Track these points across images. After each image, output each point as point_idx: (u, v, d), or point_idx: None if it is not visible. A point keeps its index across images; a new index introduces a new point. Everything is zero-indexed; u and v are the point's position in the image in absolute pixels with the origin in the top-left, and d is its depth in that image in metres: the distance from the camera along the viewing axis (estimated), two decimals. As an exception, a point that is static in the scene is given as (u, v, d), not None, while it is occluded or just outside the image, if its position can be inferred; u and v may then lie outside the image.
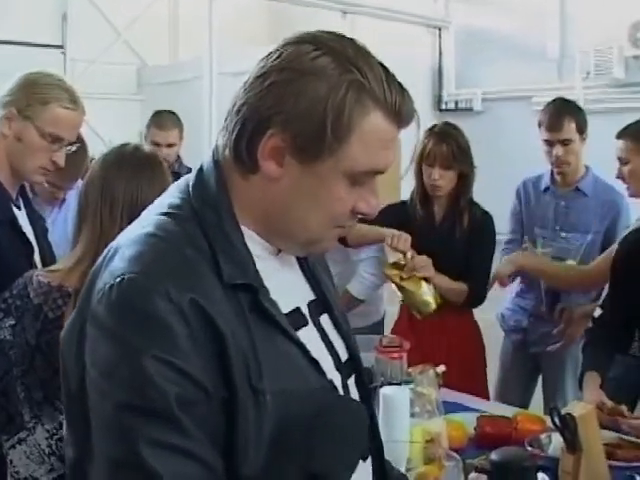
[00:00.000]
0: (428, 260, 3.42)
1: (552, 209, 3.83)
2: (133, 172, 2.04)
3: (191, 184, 1.30)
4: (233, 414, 1.16)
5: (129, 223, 1.94)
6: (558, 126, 3.68)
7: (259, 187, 1.26)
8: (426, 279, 3.41)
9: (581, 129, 3.71)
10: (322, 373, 1.31)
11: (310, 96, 1.20)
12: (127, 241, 1.24)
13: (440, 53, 7.30)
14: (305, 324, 1.35)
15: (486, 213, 3.61)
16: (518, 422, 2.54)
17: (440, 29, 7.24)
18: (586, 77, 6.07)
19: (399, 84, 1.26)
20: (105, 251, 1.29)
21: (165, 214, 1.26)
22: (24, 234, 2.43)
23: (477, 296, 3.55)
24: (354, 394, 1.42)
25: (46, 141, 2.41)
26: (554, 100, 3.85)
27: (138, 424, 1.10)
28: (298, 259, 1.43)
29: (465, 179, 3.53)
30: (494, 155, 6.11)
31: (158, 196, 1.94)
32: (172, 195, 1.32)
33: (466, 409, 2.80)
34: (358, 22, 6.90)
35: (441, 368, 2.69)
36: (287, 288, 1.33)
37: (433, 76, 7.32)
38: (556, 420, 2.10)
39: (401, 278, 3.44)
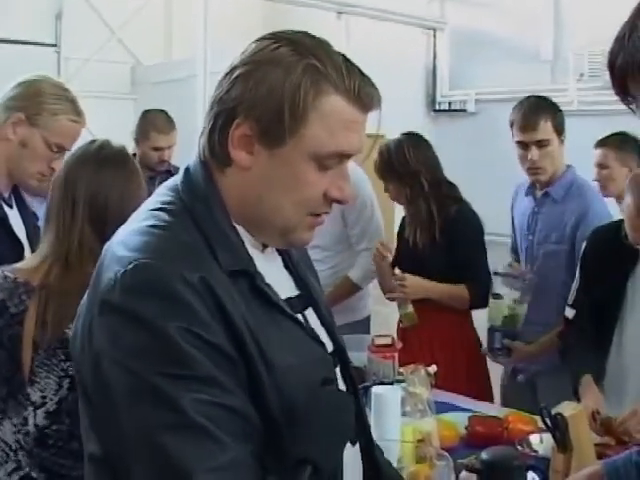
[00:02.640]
0: (405, 281, 3.49)
1: (527, 215, 3.54)
2: (94, 169, 2.04)
3: (180, 182, 1.35)
4: (254, 383, 1.22)
5: (91, 221, 1.96)
6: (533, 126, 3.33)
7: (235, 179, 1.32)
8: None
9: (557, 129, 3.37)
10: (322, 344, 1.40)
11: (269, 82, 1.26)
12: (126, 235, 1.28)
13: (434, 54, 7.31)
14: (296, 313, 1.39)
15: (459, 210, 3.54)
16: (509, 422, 2.55)
17: (435, 30, 7.24)
18: (579, 79, 6.08)
19: (359, 71, 1.30)
20: (102, 253, 1.32)
21: (158, 209, 1.31)
22: (13, 232, 2.44)
23: (479, 294, 3.46)
24: (340, 385, 1.45)
25: (50, 150, 2.46)
26: (528, 97, 3.49)
27: (179, 390, 1.13)
28: (282, 257, 1.48)
29: (408, 191, 3.57)
30: (487, 156, 6.12)
31: (124, 193, 1.95)
32: (162, 194, 1.36)
33: (458, 409, 2.81)
34: (353, 22, 6.90)
35: (433, 368, 2.70)
36: (274, 282, 1.35)
37: (427, 77, 7.33)
38: (547, 420, 2.10)
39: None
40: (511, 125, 3.43)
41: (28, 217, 2.60)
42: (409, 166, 3.52)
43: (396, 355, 2.90)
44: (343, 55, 1.31)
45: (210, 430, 1.14)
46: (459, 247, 3.46)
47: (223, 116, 1.29)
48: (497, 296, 3.35)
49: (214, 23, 5.90)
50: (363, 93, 1.29)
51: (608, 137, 4.31)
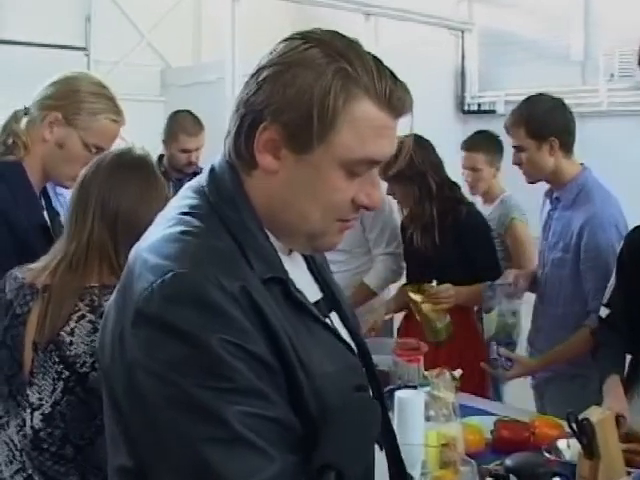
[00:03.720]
0: (450, 291, 3.41)
1: (545, 219, 3.42)
2: (108, 173, 2.03)
3: (205, 184, 1.32)
4: (294, 391, 1.21)
5: (101, 222, 1.97)
6: (506, 130, 3.27)
7: (261, 182, 1.29)
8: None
9: (535, 135, 3.14)
10: (354, 353, 1.39)
11: (298, 85, 1.22)
12: (158, 241, 1.25)
13: (463, 55, 7.28)
14: (325, 316, 1.38)
15: (469, 212, 3.57)
16: (536, 427, 2.52)
17: (463, 31, 7.21)
18: (610, 79, 6.02)
19: (391, 74, 1.27)
20: (131, 259, 1.30)
21: (186, 214, 1.28)
22: (53, 238, 2.42)
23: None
24: None
25: (88, 151, 2.39)
26: (527, 96, 3.34)
27: (223, 403, 1.11)
28: (306, 260, 1.46)
29: (416, 192, 3.59)
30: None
31: (137, 197, 1.94)
32: (187, 197, 1.33)
33: (484, 413, 2.78)
34: (381, 24, 6.89)
35: (458, 372, 2.68)
36: (301, 286, 1.33)
37: (456, 78, 7.30)
38: (573, 425, 2.08)
39: (422, 301, 3.46)
40: None
41: (53, 216, 2.56)
42: (416, 167, 3.52)
43: (421, 358, 2.89)
44: (374, 56, 1.27)
45: (255, 443, 1.12)
46: (475, 249, 3.47)
47: (249, 118, 1.26)
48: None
49: (242, 26, 5.91)
50: (395, 98, 1.25)
51: (473, 139, 4.39)
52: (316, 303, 1.38)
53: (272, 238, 1.32)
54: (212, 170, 1.34)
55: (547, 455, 2.29)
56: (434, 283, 3.53)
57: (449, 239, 3.51)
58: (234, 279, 1.17)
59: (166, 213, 1.34)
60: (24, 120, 2.42)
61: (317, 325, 1.31)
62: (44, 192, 2.57)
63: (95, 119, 2.38)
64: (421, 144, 3.59)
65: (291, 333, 1.21)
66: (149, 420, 1.16)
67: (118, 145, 2.43)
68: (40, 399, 1.92)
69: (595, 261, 3.04)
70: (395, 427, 2.07)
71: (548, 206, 3.40)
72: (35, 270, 2.03)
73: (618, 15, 5.86)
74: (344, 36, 1.28)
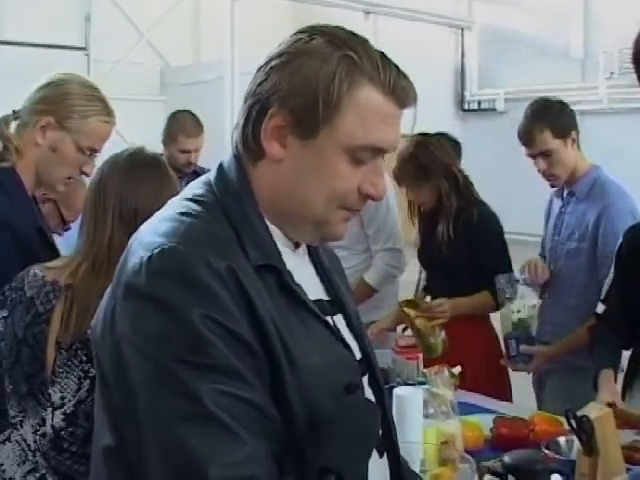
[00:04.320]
0: (445, 305, 3.40)
1: (556, 217, 3.47)
2: (124, 174, 2.05)
3: (213, 177, 1.35)
4: (276, 379, 1.20)
5: (121, 224, 1.97)
6: (528, 140, 3.26)
7: (267, 172, 1.31)
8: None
9: (560, 134, 3.22)
10: (350, 350, 1.38)
11: (304, 72, 1.25)
12: (156, 222, 1.28)
13: (463, 53, 7.29)
14: (325, 316, 1.38)
15: (480, 214, 3.52)
16: (535, 424, 2.52)
17: (463, 29, 7.22)
18: (610, 77, 6.03)
19: (396, 66, 1.29)
20: (131, 239, 1.32)
21: (190, 200, 1.30)
22: (51, 242, 2.42)
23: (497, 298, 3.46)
24: (368, 393, 1.43)
25: (81, 154, 2.38)
26: (531, 103, 3.38)
27: (199, 379, 1.12)
28: (314, 262, 1.47)
29: (445, 186, 3.54)
30: (517, 155, 6.08)
31: (153, 197, 1.96)
32: (195, 187, 1.36)
33: (483, 410, 2.78)
34: (381, 22, 6.90)
35: (457, 369, 2.68)
36: (303, 282, 1.34)
37: (456, 76, 7.31)
38: (572, 422, 2.07)
39: (415, 315, 3.38)
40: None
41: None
42: (438, 159, 3.51)
43: (420, 356, 2.89)
44: (379, 51, 1.30)
45: (228, 423, 1.12)
46: (482, 253, 3.45)
47: (257, 108, 1.29)
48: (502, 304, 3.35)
49: (242, 24, 5.92)
50: (399, 87, 1.28)
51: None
52: (319, 301, 1.38)
53: (275, 231, 1.33)
54: (221, 165, 1.37)
55: (546, 452, 2.28)
56: (428, 298, 3.52)
57: (462, 237, 3.50)
58: (222, 259, 1.18)
59: (173, 200, 1.36)
60: (14, 124, 2.41)
61: (311, 318, 1.32)
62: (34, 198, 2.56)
63: (87, 122, 2.37)
64: (436, 140, 3.59)
65: (279, 321, 1.21)
66: (129, 394, 1.17)
67: (117, 144, 2.43)
68: (62, 398, 1.93)
69: (614, 247, 3.05)
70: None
71: (558, 204, 3.44)
72: (56, 269, 2.04)
73: (618, 13, 5.87)
74: (349, 30, 1.31)
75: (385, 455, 1.46)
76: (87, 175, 2.42)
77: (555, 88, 6.20)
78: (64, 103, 2.36)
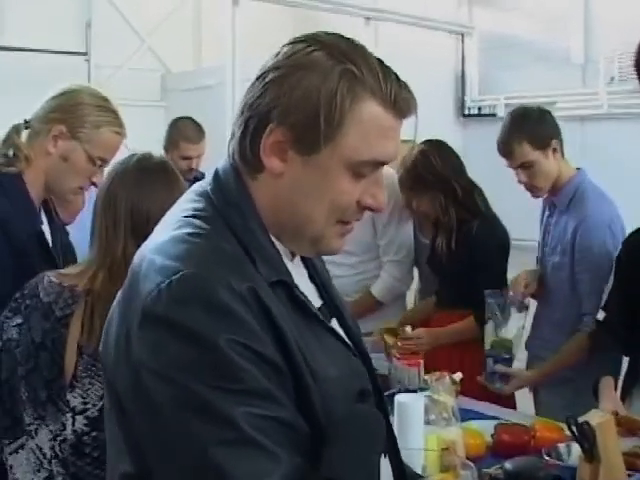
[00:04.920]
0: (423, 338, 3.38)
1: (544, 226, 3.39)
2: (135, 182, 2.07)
3: (210, 188, 1.32)
4: (302, 394, 1.21)
5: (134, 233, 1.97)
6: (507, 153, 3.15)
7: (266, 186, 1.29)
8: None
9: (540, 144, 3.10)
10: (358, 357, 1.39)
11: (304, 87, 1.23)
12: (164, 243, 1.25)
13: (463, 59, 7.28)
14: (328, 321, 1.39)
15: (481, 226, 3.46)
16: (536, 430, 2.52)
17: (463, 35, 7.22)
18: (610, 82, 6.02)
19: (396, 76, 1.28)
20: (136, 259, 1.30)
21: (192, 216, 1.28)
22: (49, 248, 2.42)
23: (481, 319, 3.32)
24: None
25: (92, 164, 2.40)
26: (509, 113, 3.29)
27: (232, 404, 1.11)
28: (307, 268, 1.46)
29: (442, 199, 3.52)
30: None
31: (165, 204, 1.96)
32: (192, 200, 1.34)
33: (484, 417, 2.78)
34: (381, 28, 6.90)
35: (458, 375, 2.68)
36: (306, 291, 1.34)
37: (456, 82, 7.30)
38: (573, 429, 2.07)
39: (393, 344, 3.33)
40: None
41: (57, 232, 2.56)
42: (438, 173, 3.48)
43: (421, 362, 2.88)
44: (378, 59, 1.29)
45: (263, 444, 1.11)
46: (476, 266, 3.39)
47: (255, 121, 1.27)
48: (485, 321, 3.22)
49: (243, 30, 5.92)
50: (400, 99, 1.26)
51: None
52: (319, 308, 1.38)
53: (276, 243, 1.32)
54: (216, 174, 1.35)
55: (547, 459, 2.29)
56: (408, 328, 3.47)
57: (463, 248, 3.47)
58: (242, 280, 1.17)
59: (171, 215, 1.34)
60: (25, 133, 2.42)
61: (322, 329, 1.32)
62: (46, 206, 2.56)
63: (99, 132, 2.39)
64: (440, 149, 3.57)
65: (297, 336, 1.21)
66: (156, 422, 1.15)
67: (119, 151, 2.43)
68: (85, 403, 1.93)
69: (588, 262, 3.03)
70: (395, 431, 2.07)
71: (546, 213, 3.38)
72: (71, 275, 2.05)
73: (618, 18, 5.86)
74: (348, 39, 1.30)
75: (387, 456, 1.45)
76: (96, 186, 2.43)
77: (555, 94, 6.20)
78: (77, 113, 2.38)
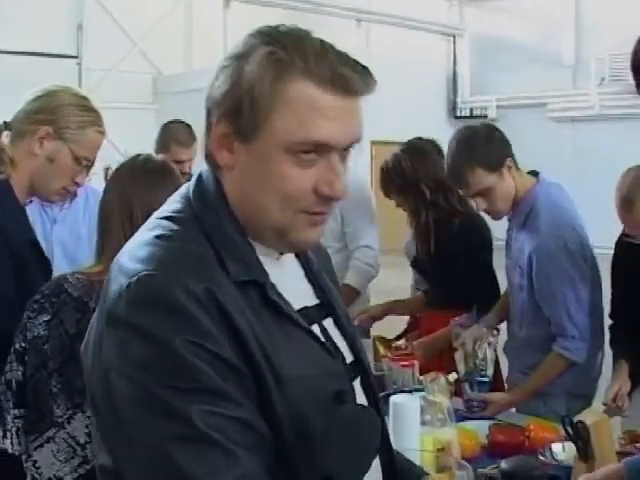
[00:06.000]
0: (417, 352, 3.27)
1: (505, 239, 3.13)
2: (147, 183, 2.09)
3: (191, 190, 1.33)
4: (262, 394, 1.20)
5: None
6: (462, 183, 2.89)
7: (230, 181, 1.29)
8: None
9: (494, 167, 2.81)
10: (337, 358, 1.35)
11: (235, 76, 1.23)
12: (134, 245, 1.27)
13: (455, 60, 7.33)
14: (311, 323, 1.35)
15: (461, 224, 3.42)
16: (531, 430, 2.52)
17: (455, 36, 7.26)
18: (600, 83, 6.05)
19: (342, 57, 1.23)
20: (112, 263, 1.31)
21: (167, 218, 1.29)
22: (44, 254, 2.42)
23: (485, 307, 3.23)
24: (361, 397, 1.41)
25: (77, 164, 2.38)
26: (454, 137, 2.95)
27: (188, 402, 1.12)
28: (303, 266, 1.45)
29: (412, 201, 3.55)
30: (509, 162, 6.11)
31: None
32: (174, 201, 1.34)
33: (479, 417, 2.78)
34: (373, 30, 6.93)
35: (453, 376, 2.68)
36: (289, 291, 1.32)
37: (448, 83, 7.35)
38: (568, 428, 2.08)
39: (384, 354, 3.23)
40: None
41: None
42: (408, 176, 3.51)
43: (416, 363, 2.88)
44: (323, 42, 1.24)
45: (221, 443, 1.12)
46: (461, 267, 3.38)
47: (206, 117, 1.29)
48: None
49: (234, 32, 5.94)
50: (337, 76, 1.20)
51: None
52: (304, 309, 1.36)
53: (255, 242, 1.30)
54: (199, 176, 1.35)
55: (542, 458, 2.29)
56: (401, 342, 3.44)
57: (444, 250, 3.47)
58: (200, 281, 1.17)
59: (152, 217, 1.35)
60: (4, 135, 2.40)
61: (296, 330, 1.29)
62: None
63: (85, 132, 2.37)
64: (415, 152, 3.58)
65: (262, 336, 1.20)
66: (118, 420, 1.17)
67: (110, 153, 2.44)
68: None
69: (549, 291, 2.88)
70: (390, 432, 2.07)
71: (507, 225, 3.14)
72: (95, 272, 2.06)
73: (609, 20, 5.91)
74: (293, 27, 1.27)
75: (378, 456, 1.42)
76: (79, 185, 2.44)
77: (547, 95, 6.23)
78: (61, 113, 2.36)
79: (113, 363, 1.17)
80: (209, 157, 1.30)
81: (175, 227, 1.26)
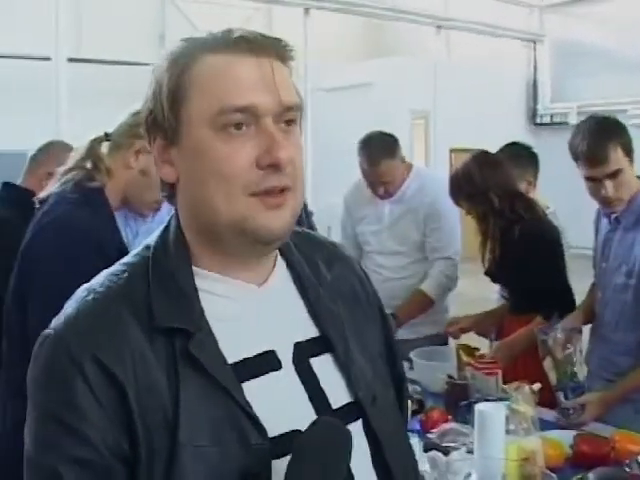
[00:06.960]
0: (498, 361, 3.21)
1: (603, 240, 3.13)
2: None
3: (160, 229, 1.28)
4: (135, 472, 1.10)
5: None
6: (601, 159, 2.85)
7: (180, 200, 1.23)
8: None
9: (628, 151, 2.88)
10: (262, 431, 1.14)
11: (150, 91, 1.21)
12: (80, 290, 1.22)
13: (535, 67, 7.26)
14: (275, 368, 1.21)
15: (523, 230, 3.39)
16: (616, 441, 2.49)
17: (535, 42, 7.19)
18: (685, 89, 5.93)
19: (247, 31, 1.19)
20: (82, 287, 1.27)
21: (124, 263, 1.24)
22: None
23: (549, 315, 3.24)
24: (360, 441, 1.23)
25: None
26: (588, 120, 3.02)
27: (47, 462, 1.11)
28: (305, 294, 1.30)
29: (480, 209, 3.53)
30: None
31: None
32: (158, 230, 1.28)
33: (563, 427, 2.76)
34: (453, 37, 6.90)
35: (537, 385, 2.66)
36: (264, 327, 1.22)
37: (528, 90, 7.28)
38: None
39: (466, 363, 3.21)
40: (575, 158, 2.94)
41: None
42: (477, 186, 3.50)
43: (499, 372, 2.87)
44: (239, 29, 1.19)
45: None
46: (527, 271, 3.33)
47: (148, 143, 1.26)
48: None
49: (316, 40, 5.98)
50: (237, 39, 1.16)
51: (502, 151, 4.03)
52: (261, 355, 1.20)
53: (225, 278, 1.22)
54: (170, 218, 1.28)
55: (628, 470, 2.26)
56: (483, 351, 3.43)
57: (508, 257, 3.47)
58: (89, 348, 1.11)
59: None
60: (105, 145, 2.46)
61: (219, 392, 1.13)
62: None
63: None
64: (484, 161, 3.57)
65: (167, 399, 1.11)
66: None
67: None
68: None
69: None
70: (475, 440, 2.07)
71: (606, 226, 3.14)
72: None
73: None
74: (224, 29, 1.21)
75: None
76: None
77: (628, 101, 6.13)
78: None
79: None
80: (162, 186, 1.24)
81: (114, 277, 1.21)
